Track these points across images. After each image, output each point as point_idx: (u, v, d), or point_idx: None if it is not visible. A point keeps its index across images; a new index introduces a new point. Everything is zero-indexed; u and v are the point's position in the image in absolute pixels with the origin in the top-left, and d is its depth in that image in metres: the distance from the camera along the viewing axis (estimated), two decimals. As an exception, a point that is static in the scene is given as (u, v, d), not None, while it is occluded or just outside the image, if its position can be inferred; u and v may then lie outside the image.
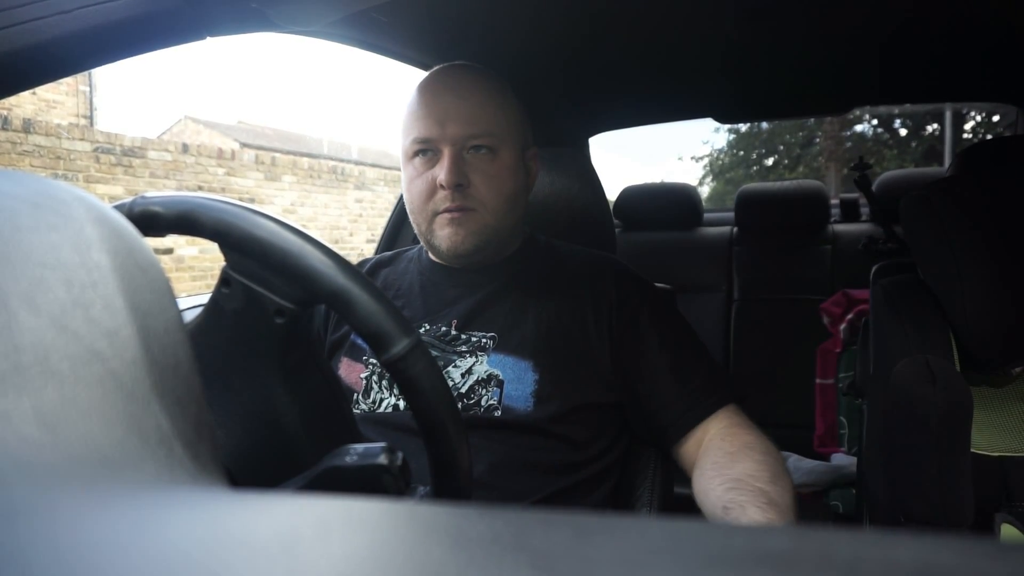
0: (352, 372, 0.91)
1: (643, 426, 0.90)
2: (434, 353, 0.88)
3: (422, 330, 0.91)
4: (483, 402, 0.84)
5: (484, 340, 0.88)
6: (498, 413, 0.83)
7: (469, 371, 0.86)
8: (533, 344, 0.87)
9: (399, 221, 1.49)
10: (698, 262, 2.33)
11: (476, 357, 0.87)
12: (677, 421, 0.86)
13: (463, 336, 0.89)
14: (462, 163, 0.87)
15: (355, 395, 0.89)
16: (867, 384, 1.12)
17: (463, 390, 0.85)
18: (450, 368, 0.87)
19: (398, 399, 0.86)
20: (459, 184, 0.86)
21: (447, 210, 0.88)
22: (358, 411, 0.88)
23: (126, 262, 0.24)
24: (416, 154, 0.90)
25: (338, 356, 0.94)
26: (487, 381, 0.85)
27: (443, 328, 0.91)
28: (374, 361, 0.89)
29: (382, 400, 0.87)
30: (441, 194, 0.87)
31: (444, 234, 0.88)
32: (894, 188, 2.23)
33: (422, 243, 0.97)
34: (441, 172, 0.86)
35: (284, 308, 0.51)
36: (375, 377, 0.89)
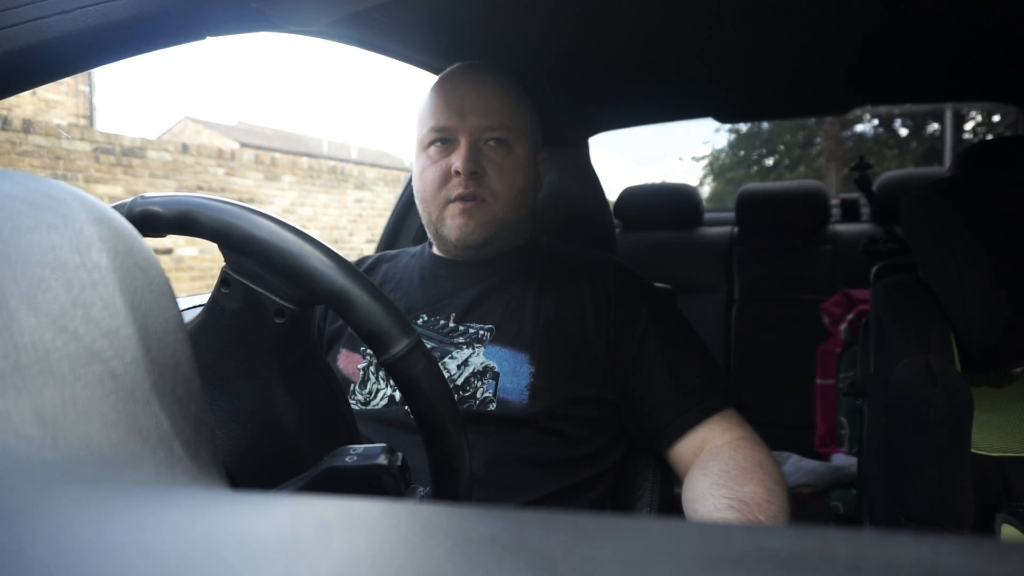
0: (350, 363, 0.91)
1: (638, 426, 0.89)
2: (431, 344, 0.88)
3: (420, 321, 0.91)
4: (478, 394, 0.84)
5: (482, 332, 0.88)
6: (493, 406, 0.83)
7: (465, 363, 0.86)
8: (530, 337, 0.87)
9: (399, 220, 1.49)
10: (698, 262, 2.34)
11: (473, 349, 0.87)
12: (673, 423, 0.85)
13: (461, 328, 0.89)
14: (478, 153, 0.90)
15: (352, 385, 0.89)
16: (867, 384, 1.12)
17: (459, 382, 0.85)
18: (446, 359, 0.87)
19: (394, 390, 0.86)
20: (474, 172, 0.88)
21: (460, 198, 0.89)
22: (354, 402, 0.88)
23: (126, 262, 0.24)
24: (432, 143, 0.92)
25: (336, 347, 0.94)
26: (483, 373, 0.85)
27: (441, 320, 0.91)
28: (372, 352, 0.90)
29: (378, 391, 0.87)
30: (455, 181, 0.89)
31: (455, 224, 0.90)
32: (894, 188, 2.23)
33: (429, 234, 0.97)
34: (458, 160, 0.88)
35: (284, 308, 0.51)
36: (372, 368, 0.89)
